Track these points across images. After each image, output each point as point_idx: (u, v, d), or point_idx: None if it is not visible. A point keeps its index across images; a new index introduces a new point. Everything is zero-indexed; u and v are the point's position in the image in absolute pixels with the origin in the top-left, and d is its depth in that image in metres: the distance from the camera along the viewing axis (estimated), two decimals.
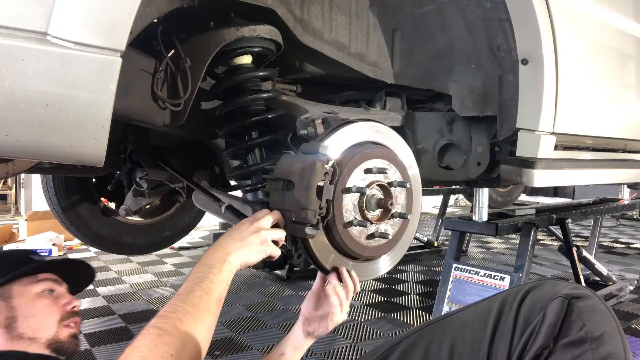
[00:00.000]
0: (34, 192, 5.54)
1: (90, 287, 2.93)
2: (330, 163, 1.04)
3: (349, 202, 1.10)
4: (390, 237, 1.17)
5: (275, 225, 1.03)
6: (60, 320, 1.03)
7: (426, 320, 2.39)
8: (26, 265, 1.06)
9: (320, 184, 1.02)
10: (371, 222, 1.14)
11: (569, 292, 0.83)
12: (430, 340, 0.93)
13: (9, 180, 6.67)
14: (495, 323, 0.87)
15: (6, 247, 3.71)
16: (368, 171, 1.13)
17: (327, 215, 1.05)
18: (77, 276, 1.19)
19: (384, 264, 1.24)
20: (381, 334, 2.19)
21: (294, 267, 3.02)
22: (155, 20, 1.11)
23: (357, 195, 1.11)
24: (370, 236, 1.14)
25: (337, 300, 1.07)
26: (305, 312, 1.12)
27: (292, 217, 1.04)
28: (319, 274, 1.15)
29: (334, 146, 1.09)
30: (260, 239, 0.95)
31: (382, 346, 1.00)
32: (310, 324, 1.10)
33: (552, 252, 3.98)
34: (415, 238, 3.55)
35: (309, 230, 1.02)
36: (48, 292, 1.05)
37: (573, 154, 1.74)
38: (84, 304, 2.59)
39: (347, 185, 1.09)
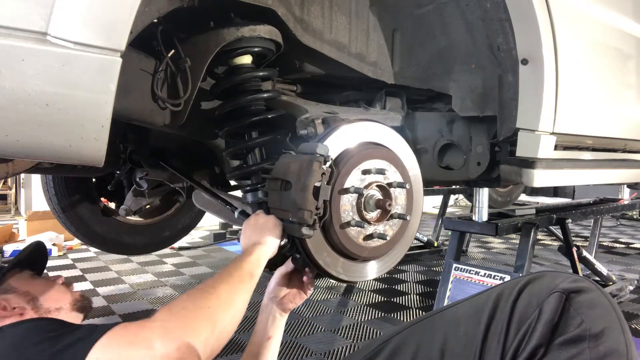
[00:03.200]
0: (34, 192, 5.54)
1: (90, 287, 2.94)
2: (328, 163, 1.04)
3: (347, 203, 1.10)
4: (388, 238, 1.17)
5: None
6: (66, 287, 1.14)
7: None
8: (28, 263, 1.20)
9: (318, 184, 1.02)
10: (369, 223, 1.13)
11: (568, 286, 0.79)
12: (422, 337, 0.89)
13: (9, 180, 6.67)
14: (489, 319, 0.82)
15: (6, 247, 3.71)
16: (367, 172, 1.13)
17: (324, 216, 1.05)
18: (35, 260, 1.27)
19: (384, 265, 1.24)
20: (381, 334, 2.19)
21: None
22: (155, 20, 1.11)
23: (355, 195, 1.11)
24: (369, 237, 1.14)
25: (312, 278, 1.16)
26: (279, 293, 1.17)
27: (289, 217, 1.04)
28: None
29: (333, 146, 1.09)
30: (269, 219, 1.08)
31: (373, 342, 0.96)
32: (287, 303, 1.16)
33: (552, 252, 3.98)
34: (415, 238, 3.55)
35: (305, 230, 1.03)
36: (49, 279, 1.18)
37: (573, 154, 1.74)
38: None
39: (345, 186, 1.09)
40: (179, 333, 0.72)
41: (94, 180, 2.56)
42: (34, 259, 1.25)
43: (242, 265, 0.94)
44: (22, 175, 5.91)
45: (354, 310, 2.50)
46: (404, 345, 0.90)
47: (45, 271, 1.23)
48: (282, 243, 1.09)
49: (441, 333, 0.87)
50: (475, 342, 0.81)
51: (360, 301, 2.65)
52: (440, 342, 0.85)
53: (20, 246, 3.79)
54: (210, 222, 4.71)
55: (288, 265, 1.18)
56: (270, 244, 1.03)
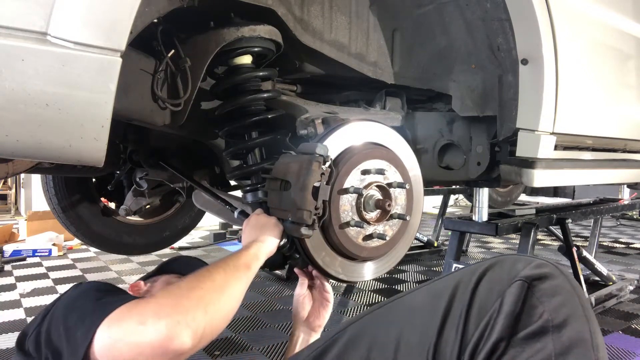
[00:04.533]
0: (34, 192, 5.54)
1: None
2: (328, 163, 1.04)
3: (347, 203, 1.10)
4: (388, 238, 1.17)
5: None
6: None
7: None
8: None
9: (317, 184, 1.02)
10: (369, 223, 1.13)
11: (530, 272, 0.74)
12: (377, 326, 0.85)
13: (9, 180, 6.67)
14: (447, 308, 0.77)
15: (6, 247, 3.71)
16: (366, 172, 1.13)
17: (323, 216, 1.05)
18: None
19: (383, 265, 1.24)
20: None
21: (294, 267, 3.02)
22: (155, 20, 1.11)
23: (355, 196, 1.11)
24: (368, 237, 1.14)
25: (330, 288, 1.16)
26: (303, 313, 1.17)
27: (288, 217, 1.05)
28: (301, 277, 1.19)
29: (332, 146, 1.09)
30: (269, 218, 1.09)
31: (329, 332, 0.91)
32: (314, 320, 1.16)
33: (552, 252, 3.98)
34: (415, 238, 3.55)
35: (304, 230, 1.03)
36: None
37: (573, 154, 1.74)
38: None
39: (345, 186, 1.09)
40: (169, 310, 0.75)
41: (94, 180, 2.56)
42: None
43: (238, 256, 0.96)
44: (22, 175, 5.91)
45: (354, 310, 2.50)
46: (359, 335, 0.85)
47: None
48: (282, 243, 1.09)
49: (397, 322, 0.83)
50: (431, 332, 0.77)
51: (360, 301, 2.66)
52: (397, 332, 0.81)
53: (20, 246, 3.78)
54: (210, 222, 4.70)
55: (303, 286, 1.18)
56: (269, 242, 1.04)
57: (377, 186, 1.15)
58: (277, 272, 3.15)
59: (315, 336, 1.18)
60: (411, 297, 0.86)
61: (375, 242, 1.16)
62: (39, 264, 3.52)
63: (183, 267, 1.31)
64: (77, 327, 0.77)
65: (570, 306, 0.72)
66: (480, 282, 0.77)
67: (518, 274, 0.74)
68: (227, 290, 0.86)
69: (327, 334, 0.91)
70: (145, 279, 1.25)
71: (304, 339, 1.17)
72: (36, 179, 4.77)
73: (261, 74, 1.35)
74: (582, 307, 0.73)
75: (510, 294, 0.73)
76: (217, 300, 0.83)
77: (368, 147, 1.16)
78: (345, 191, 1.09)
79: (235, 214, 1.51)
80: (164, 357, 0.73)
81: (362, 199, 1.12)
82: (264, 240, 1.03)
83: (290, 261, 1.18)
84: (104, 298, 0.82)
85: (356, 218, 1.11)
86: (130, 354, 0.73)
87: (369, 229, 1.14)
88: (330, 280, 1.18)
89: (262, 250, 1.02)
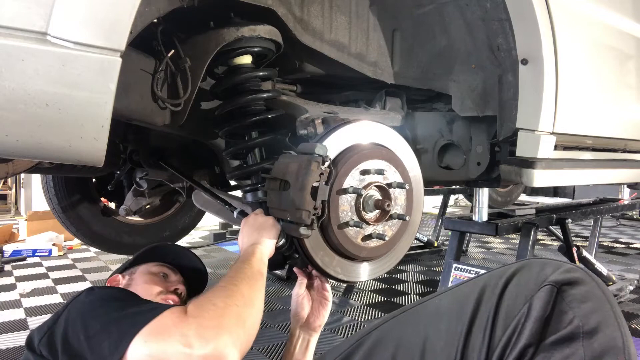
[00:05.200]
0: (34, 192, 5.54)
1: (90, 287, 2.92)
2: (327, 164, 1.04)
3: (346, 203, 1.10)
4: (387, 238, 1.16)
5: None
6: (159, 293, 1.17)
7: None
8: (176, 259, 1.34)
9: (316, 184, 1.02)
10: (368, 223, 1.13)
11: (559, 277, 0.72)
12: (403, 331, 0.84)
13: (9, 180, 6.67)
14: (474, 312, 0.76)
15: (6, 247, 3.71)
16: (366, 172, 1.12)
17: (322, 216, 1.05)
18: (195, 283, 1.36)
19: (383, 265, 1.24)
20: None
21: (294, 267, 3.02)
22: (155, 20, 1.11)
23: (354, 196, 1.11)
24: (367, 237, 1.14)
25: (329, 287, 1.17)
26: (303, 313, 1.16)
27: (287, 217, 1.05)
28: (300, 276, 1.19)
29: (332, 146, 1.09)
30: (267, 219, 1.09)
31: (355, 335, 0.92)
32: (313, 321, 1.16)
33: (552, 252, 3.98)
34: (415, 238, 3.55)
35: (303, 230, 1.03)
36: (162, 275, 1.25)
37: (573, 154, 1.74)
38: None
39: (344, 186, 1.08)
40: (214, 332, 0.74)
41: (94, 180, 2.56)
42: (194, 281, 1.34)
43: (251, 265, 0.96)
44: (22, 175, 5.91)
45: (354, 310, 2.50)
46: (384, 339, 0.85)
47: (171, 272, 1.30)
48: (280, 243, 1.09)
49: (422, 327, 0.82)
50: (457, 337, 0.75)
51: (360, 301, 2.65)
52: (422, 337, 0.80)
53: (20, 246, 3.78)
54: (210, 222, 4.70)
55: (301, 285, 1.18)
56: (267, 244, 1.04)
57: (376, 186, 1.15)
58: (277, 272, 3.15)
59: (316, 336, 1.18)
60: (437, 301, 0.85)
61: (375, 242, 1.16)
62: (39, 264, 3.52)
63: (163, 255, 1.32)
64: (102, 337, 0.76)
65: (602, 313, 0.70)
66: (507, 286, 0.75)
67: (547, 278, 0.73)
68: (255, 302, 0.86)
69: (351, 337, 0.92)
70: (121, 271, 1.26)
71: (304, 339, 1.16)
72: (36, 179, 4.77)
73: (261, 74, 1.35)
74: (614, 314, 0.71)
75: (538, 298, 0.71)
76: (251, 314, 0.83)
77: (367, 147, 1.16)
78: (345, 191, 1.09)
79: (235, 214, 1.51)
80: None
81: (362, 199, 1.12)
82: (262, 242, 1.03)
83: (289, 261, 1.18)
84: (127, 307, 0.80)
85: (355, 218, 1.11)
86: None
87: (368, 229, 1.14)
88: (330, 280, 1.18)
89: (264, 254, 1.02)
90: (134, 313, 0.78)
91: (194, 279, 1.34)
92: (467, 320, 0.76)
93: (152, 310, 0.78)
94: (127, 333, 0.73)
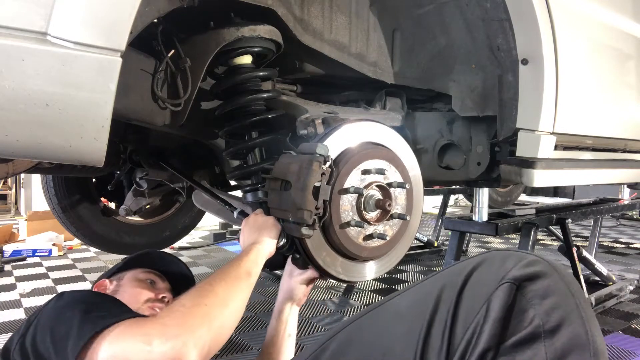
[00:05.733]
0: (34, 192, 5.54)
1: (90, 287, 2.93)
2: (328, 163, 1.04)
3: (347, 203, 1.10)
4: (388, 238, 1.17)
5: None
6: (146, 301, 1.18)
7: None
8: (163, 266, 1.34)
9: (317, 184, 1.02)
10: (369, 223, 1.13)
11: (519, 273, 0.68)
12: (364, 334, 0.81)
13: (9, 180, 6.67)
14: (433, 312, 0.72)
15: (6, 247, 3.71)
16: (367, 172, 1.13)
17: (323, 216, 1.05)
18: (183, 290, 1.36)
19: (384, 265, 1.24)
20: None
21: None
22: (155, 20, 1.11)
23: (355, 195, 1.11)
24: (369, 237, 1.14)
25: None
26: (298, 293, 1.21)
27: (288, 217, 1.04)
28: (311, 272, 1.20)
29: (333, 146, 1.09)
30: (268, 219, 1.10)
31: (320, 339, 0.87)
32: (302, 299, 1.23)
33: (552, 252, 3.98)
34: (415, 238, 3.55)
35: (305, 230, 1.03)
36: (150, 281, 1.25)
37: (573, 154, 1.74)
38: None
39: (345, 186, 1.09)
40: (175, 331, 0.74)
41: (94, 180, 2.56)
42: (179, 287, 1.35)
43: (239, 264, 0.95)
44: (22, 175, 5.91)
45: (354, 310, 2.50)
46: (347, 345, 0.82)
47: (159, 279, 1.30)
48: (281, 243, 1.09)
49: (383, 330, 0.78)
50: (417, 339, 0.72)
51: (360, 301, 2.65)
52: (383, 340, 0.77)
53: (20, 246, 3.78)
54: (210, 222, 4.70)
55: (309, 278, 1.20)
56: (268, 244, 1.04)
57: (377, 186, 1.15)
58: (277, 272, 3.15)
59: (296, 309, 1.24)
60: (397, 302, 0.82)
61: (376, 242, 1.16)
62: (39, 264, 3.52)
63: (151, 261, 1.32)
64: (66, 339, 0.76)
65: (565, 308, 0.66)
66: (466, 284, 0.71)
67: (507, 274, 0.69)
68: (230, 303, 0.86)
69: (317, 341, 0.89)
70: (109, 276, 1.26)
71: (294, 313, 1.23)
72: (36, 179, 4.77)
73: (261, 74, 1.35)
74: (579, 308, 0.66)
75: (497, 297, 0.67)
76: (221, 315, 0.82)
77: (368, 147, 1.16)
78: (346, 191, 1.09)
79: (235, 214, 1.51)
80: None
81: (363, 199, 1.12)
82: (262, 242, 1.03)
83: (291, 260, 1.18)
84: (94, 311, 0.81)
85: (356, 218, 1.11)
86: None
87: (370, 229, 1.14)
88: (331, 280, 1.18)
89: (262, 254, 1.02)
90: (99, 316, 0.78)
91: (181, 286, 1.34)
92: (426, 321, 0.72)
93: (120, 314, 0.79)
94: (87, 333, 0.74)
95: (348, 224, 1.10)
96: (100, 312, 0.80)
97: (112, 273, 1.27)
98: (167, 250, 3.65)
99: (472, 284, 0.71)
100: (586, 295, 2.01)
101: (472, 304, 0.69)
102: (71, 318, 0.79)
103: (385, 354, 0.75)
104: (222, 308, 0.83)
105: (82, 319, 0.78)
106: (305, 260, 1.11)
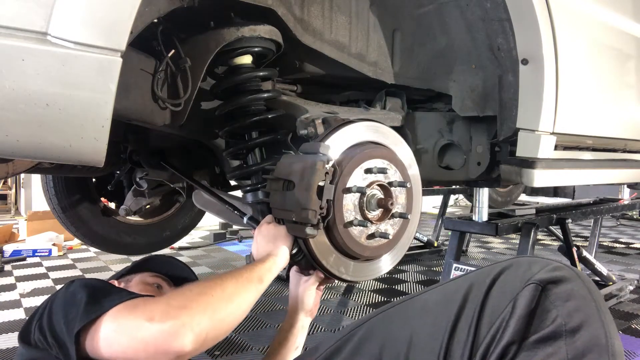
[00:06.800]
0: (34, 192, 5.54)
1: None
2: (331, 163, 1.05)
3: (350, 202, 1.10)
4: (390, 237, 1.17)
5: None
6: None
7: None
8: (170, 271, 1.33)
9: (321, 184, 1.02)
10: (372, 222, 1.13)
11: (545, 276, 0.73)
12: (390, 326, 0.85)
13: (9, 180, 6.67)
14: (460, 308, 0.76)
15: (6, 247, 3.71)
16: (368, 171, 1.13)
17: (327, 215, 1.05)
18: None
19: (385, 264, 1.24)
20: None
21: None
22: (155, 20, 1.11)
23: (358, 195, 1.11)
24: (371, 236, 1.14)
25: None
26: (309, 302, 1.19)
27: (292, 217, 1.04)
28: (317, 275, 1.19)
29: (335, 146, 1.09)
30: (280, 228, 1.09)
31: (346, 328, 0.92)
32: (312, 310, 1.20)
33: (552, 252, 3.98)
34: (415, 238, 3.55)
35: (309, 230, 1.02)
36: (157, 285, 1.24)
37: (573, 154, 1.74)
38: None
39: (348, 185, 1.09)
40: (177, 311, 0.77)
41: (94, 180, 2.56)
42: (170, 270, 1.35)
43: (253, 269, 0.97)
44: (22, 175, 5.91)
45: (354, 310, 2.50)
46: (373, 333, 0.86)
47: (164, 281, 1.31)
48: (295, 251, 1.09)
49: (410, 321, 0.82)
50: (443, 332, 0.76)
51: (360, 301, 2.65)
52: (409, 331, 0.81)
53: (20, 246, 3.78)
54: (210, 222, 4.70)
55: (315, 282, 1.19)
56: (283, 255, 1.05)
57: (378, 185, 1.15)
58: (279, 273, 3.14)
59: (308, 321, 1.21)
60: (424, 297, 0.85)
61: (378, 242, 1.16)
62: (39, 264, 3.52)
63: (159, 266, 1.33)
64: (75, 319, 0.79)
65: (586, 311, 0.70)
66: (494, 284, 0.76)
67: (533, 276, 0.73)
68: (235, 300, 0.87)
69: (343, 329, 0.93)
70: (118, 277, 1.27)
71: (304, 325, 1.20)
72: (36, 179, 4.77)
73: (261, 74, 1.35)
74: (599, 312, 0.71)
75: (523, 296, 0.71)
76: (224, 309, 0.83)
77: (369, 147, 1.16)
78: (349, 190, 1.09)
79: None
80: (163, 356, 0.74)
81: (365, 198, 1.12)
82: (278, 254, 1.04)
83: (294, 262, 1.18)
84: (103, 294, 0.84)
85: (359, 217, 1.11)
86: (129, 347, 0.74)
87: (372, 228, 1.14)
88: (334, 280, 1.17)
89: (277, 265, 1.02)
90: (107, 298, 0.81)
91: None
92: (453, 315, 0.76)
93: (130, 293, 0.83)
94: (97, 311, 0.78)
95: (351, 223, 1.10)
96: (109, 295, 0.83)
97: (121, 275, 1.28)
98: (167, 250, 3.66)
99: (499, 284, 0.75)
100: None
101: (499, 302, 0.73)
102: (81, 300, 0.82)
103: (411, 344, 0.79)
104: (227, 303, 0.84)
105: (88, 300, 0.81)
106: (309, 261, 1.11)
